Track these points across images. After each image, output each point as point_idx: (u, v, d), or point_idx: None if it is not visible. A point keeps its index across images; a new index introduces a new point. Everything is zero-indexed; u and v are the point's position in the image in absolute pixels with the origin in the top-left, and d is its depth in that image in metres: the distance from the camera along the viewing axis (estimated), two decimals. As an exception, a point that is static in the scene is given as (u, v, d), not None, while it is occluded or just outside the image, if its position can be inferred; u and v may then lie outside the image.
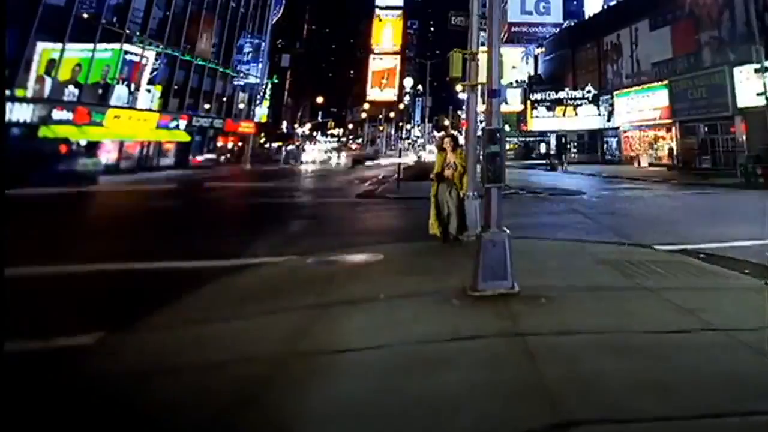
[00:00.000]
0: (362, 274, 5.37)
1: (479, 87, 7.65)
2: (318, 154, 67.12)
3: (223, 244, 8.11)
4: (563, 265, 5.77)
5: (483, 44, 7.87)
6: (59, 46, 27.16)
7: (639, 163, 36.15)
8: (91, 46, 28.84)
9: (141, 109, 33.15)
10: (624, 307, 4.16)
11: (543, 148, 52.78)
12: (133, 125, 32.43)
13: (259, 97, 60.63)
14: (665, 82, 35.35)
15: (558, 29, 58.28)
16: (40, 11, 25.04)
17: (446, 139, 7.06)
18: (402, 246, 7.08)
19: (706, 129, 32.79)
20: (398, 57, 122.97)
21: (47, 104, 26.28)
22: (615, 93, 41.96)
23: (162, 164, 35.81)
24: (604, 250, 6.71)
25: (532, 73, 57.80)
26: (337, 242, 7.74)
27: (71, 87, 28.42)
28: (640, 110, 38.31)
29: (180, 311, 4.36)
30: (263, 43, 54.03)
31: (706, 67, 32.06)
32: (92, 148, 29.22)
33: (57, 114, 26.52)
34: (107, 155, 31.35)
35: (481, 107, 8.73)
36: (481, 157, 4.86)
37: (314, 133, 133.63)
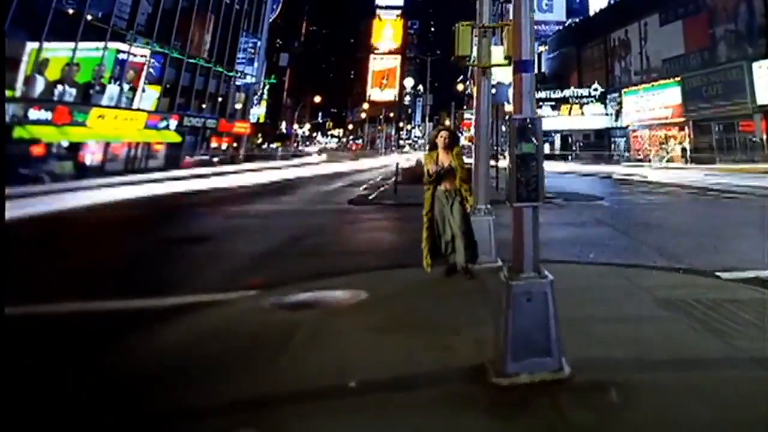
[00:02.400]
0: (333, 330, 3.76)
1: (492, 70, 6.02)
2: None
3: (167, 268, 6.52)
4: (616, 312, 4.16)
5: (493, 18, 6.27)
6: (36, 43, 25.60)
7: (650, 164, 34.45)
8: (72, 44, 27.26)
9: (128, 108, 31.54)
10: (745, 406, 2.55)
11: (547, 148, 51.27)
12: (119, 125, 30.81)
13: (255, 96, 59.15)
14: (677, 78, 33.73)
15: (561, 27, 57.20)
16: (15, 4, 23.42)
17: (442, 133, 5.15)
18: (394, 276, 5.46)
19: (721, 127, 31.14)
20: (398, 57, 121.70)
21: (23, 103, 24.69)
22: (623, 91, 40.38)
23: (151, 166, 34.10)
24: (659, 283, 5.09)
25: (536, 71, 56.45)
26: (314, 267, 6.14)
27: (59, 86, 26.88)
28: (651, 108, 36.69)
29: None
30: (259, 42, 52.46)
31: (722, 62, 30.42)
32: (74, 149, 27.79)
33: (34, 113, 24.90)
34: (91, 156, 29.87)
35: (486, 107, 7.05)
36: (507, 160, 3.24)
37: (314, 134, 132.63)
